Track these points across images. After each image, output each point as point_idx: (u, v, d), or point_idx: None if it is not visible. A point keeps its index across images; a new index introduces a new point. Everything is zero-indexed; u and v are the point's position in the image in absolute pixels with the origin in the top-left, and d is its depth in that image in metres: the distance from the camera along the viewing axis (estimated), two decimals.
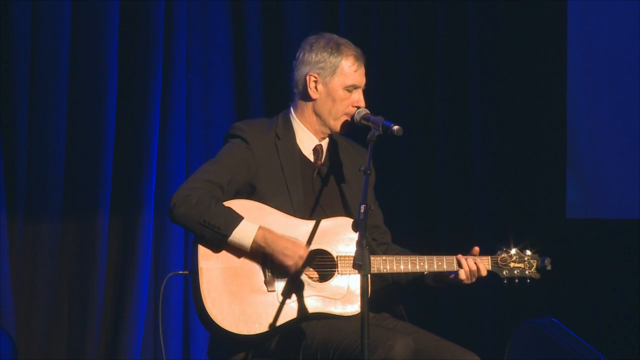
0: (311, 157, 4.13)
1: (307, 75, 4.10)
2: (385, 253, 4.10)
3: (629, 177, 5.84)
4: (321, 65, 4.08)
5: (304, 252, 3.88)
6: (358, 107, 4.08)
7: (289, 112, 4.16)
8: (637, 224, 5.81)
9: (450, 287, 4.10)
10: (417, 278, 4.08)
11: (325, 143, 4.16)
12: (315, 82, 4.09)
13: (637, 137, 5.82)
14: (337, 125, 4.10)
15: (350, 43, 4.14)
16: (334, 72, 4.07)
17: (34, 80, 5.28)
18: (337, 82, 4.07)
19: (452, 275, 4.01)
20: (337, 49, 4.09)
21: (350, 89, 4.08)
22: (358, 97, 4.09)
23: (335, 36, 4.16)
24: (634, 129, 5.82)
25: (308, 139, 4.14)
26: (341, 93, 4.07)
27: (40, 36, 5.28)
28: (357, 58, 4.10)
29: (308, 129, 4.13)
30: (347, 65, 4.08)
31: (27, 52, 5.24)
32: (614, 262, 5.87)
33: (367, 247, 3.54)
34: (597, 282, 5.89)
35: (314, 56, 4.10)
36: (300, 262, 3.88)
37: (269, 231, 3.89)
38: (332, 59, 4.08)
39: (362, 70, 4.11)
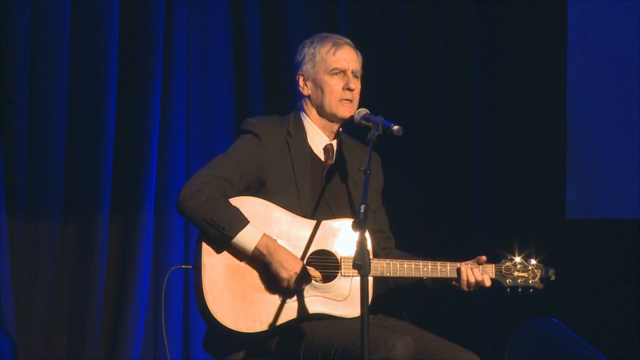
0: (322, 156, 4.13)
1: (297, 76, 4.13)
2: (387, 257, 4.08)
3: (629, 177, 5.84)
4: (304, 61, 4.11)
5: (300, 269, 3.87)
6: (350, 89, 4.06)
7: (300, 111, 4.17)
8: (637, 224, 5.82)
9: (449, 288, 4.10)
10: (417, 281, 4.07)
11: (335, 143, 4.16)
12: (303, 79, 4.11)
13: (637, 137, 5.82)
14: (338, 112, 4.08)
15: (337, 35, 4.14)
16: (314, 63, 4.09)
17: (34, 80, 5.26)
18: (319, 70, 4.08)
19: (453, 282, 4.02)
20: (316, 41, 4.11)
21: (335, 72, 4.07)
22: (347, 79, 4.07)
23: (324, 33, 4.17)
24: (634, 129, 5.82)
25: (319, 138, 4.13)
26: (327, 79, 4.07)
27: (40, 36, 5.27)
28: (335, 43, 4.09)
29: (319, 128, 4.13)
30: (325, 50, 4.08)
31: (27, 52, 5.23)
32: (614, 262, 5.88)
33: (367, 247, 3.54)
34: (597, 282, 5.89)
35: (298, 57, 4.14)
36: (294, 278, 3.87)
37: (272, 240, 3.89)
38: (311, 51, 4.10)
39: (345, 55, 4.08)
